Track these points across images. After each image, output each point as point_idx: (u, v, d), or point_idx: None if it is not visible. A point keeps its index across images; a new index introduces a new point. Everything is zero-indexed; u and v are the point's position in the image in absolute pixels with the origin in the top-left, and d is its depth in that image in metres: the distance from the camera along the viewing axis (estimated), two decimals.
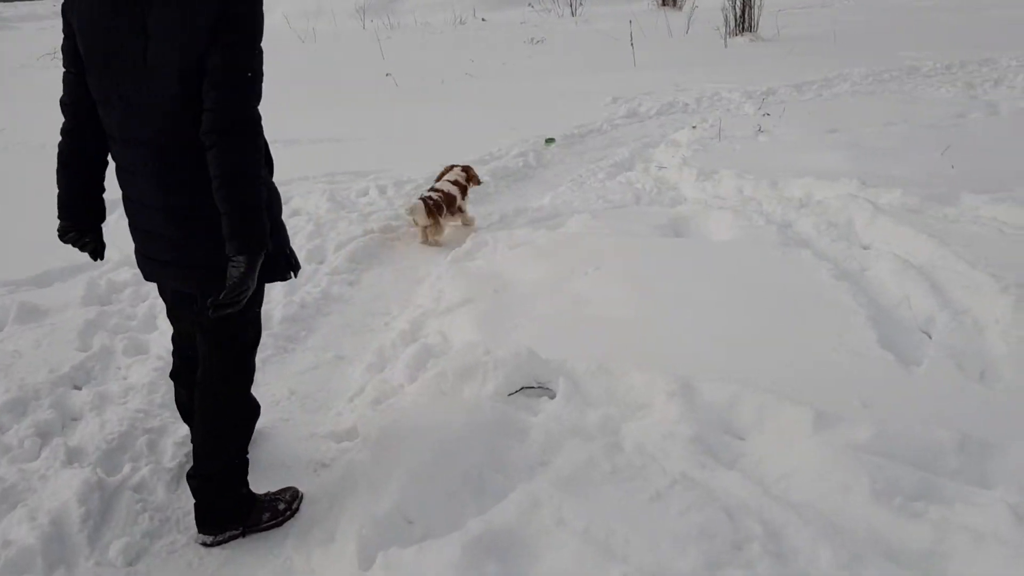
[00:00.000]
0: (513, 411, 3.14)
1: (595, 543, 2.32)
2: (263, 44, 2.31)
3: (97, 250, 2.68)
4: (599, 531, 2.36)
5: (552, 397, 3.29)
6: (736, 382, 3.07)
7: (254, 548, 2.72)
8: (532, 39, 16.58)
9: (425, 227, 5.37)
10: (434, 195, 5.42)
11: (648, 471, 2.58)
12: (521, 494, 2.50)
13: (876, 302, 3.95)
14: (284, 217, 2.69)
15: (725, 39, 15.14)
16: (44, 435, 3.22)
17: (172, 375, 3.04)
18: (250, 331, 2.73)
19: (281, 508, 2.83)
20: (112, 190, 2.58)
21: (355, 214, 5.71)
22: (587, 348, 3.63)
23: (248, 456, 2.84)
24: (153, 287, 4.48)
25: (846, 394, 3.07)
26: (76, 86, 2.43)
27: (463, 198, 5.68)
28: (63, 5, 2.42)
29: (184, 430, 3.21)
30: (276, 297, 4.47)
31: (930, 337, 3.69)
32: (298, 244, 5.01)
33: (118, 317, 4.28)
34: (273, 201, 2.56)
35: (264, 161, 2.43)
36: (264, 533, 2.77)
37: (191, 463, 2.78)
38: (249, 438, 2.93)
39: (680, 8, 21.24)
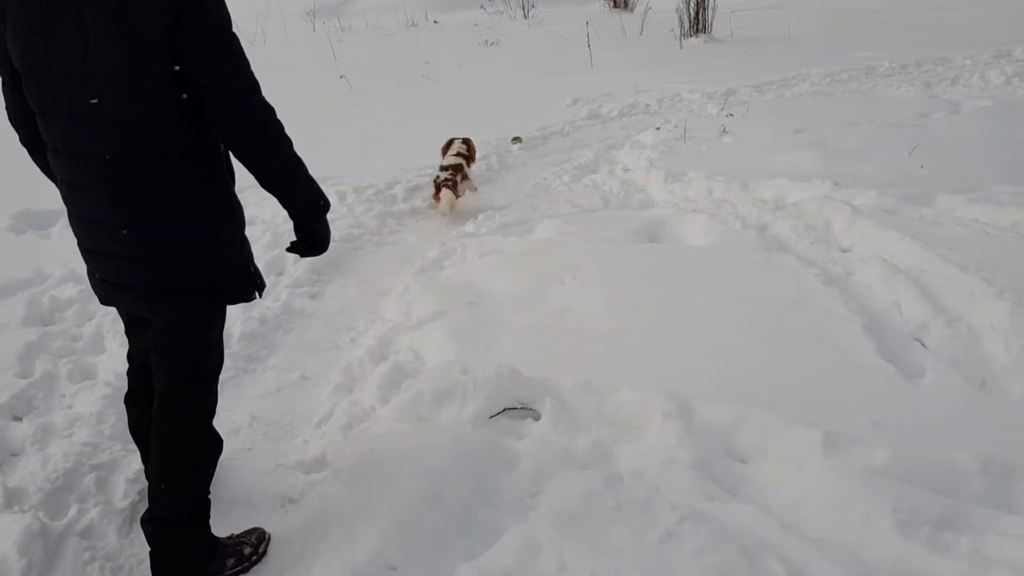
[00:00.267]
0: (497, 436, 2.91)
1: None
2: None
3: None
4: None
5: (537, 419, 3.08)
6: (736, 401, 2.88)
7: None
8: (486, 41, 16.36)
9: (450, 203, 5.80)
10: (449, 176, 5.82)
11: (654, 505, 2.35)
12: (517, 536, 2.28)
13: (868, 309, 3.79)
14: None
15: (680, 40, 15.10)
16: None
17: (127, 399, 2.76)
18: (212, 356, 2.50)
19: (247, 552, 2.56)
20: (56, 196, 2.33)
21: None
22: (570, 364, 3.42)
23: (209, 496, 2.57)
24: (100, 305, 4.18)
25: (853, 412, 2.89)
26: (18, 95, 2.20)
27: (468, 166, 6.15)
28: None
29: (137, 464, 2.93)
30: (234, 312, 4.16)
31: (924, 345, 3.55)
32: (255, 255, 4.69)
33: (62, 339, 3.93)
34: (236, 214, 2.37)
35: (227, 169, 2.29)
36: None
37: (145, 503, 2.51)
38: (211, 476, 2.65)
39: (632, 10, 21.23)
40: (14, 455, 3.07)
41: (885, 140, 7.17)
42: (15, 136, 2.39)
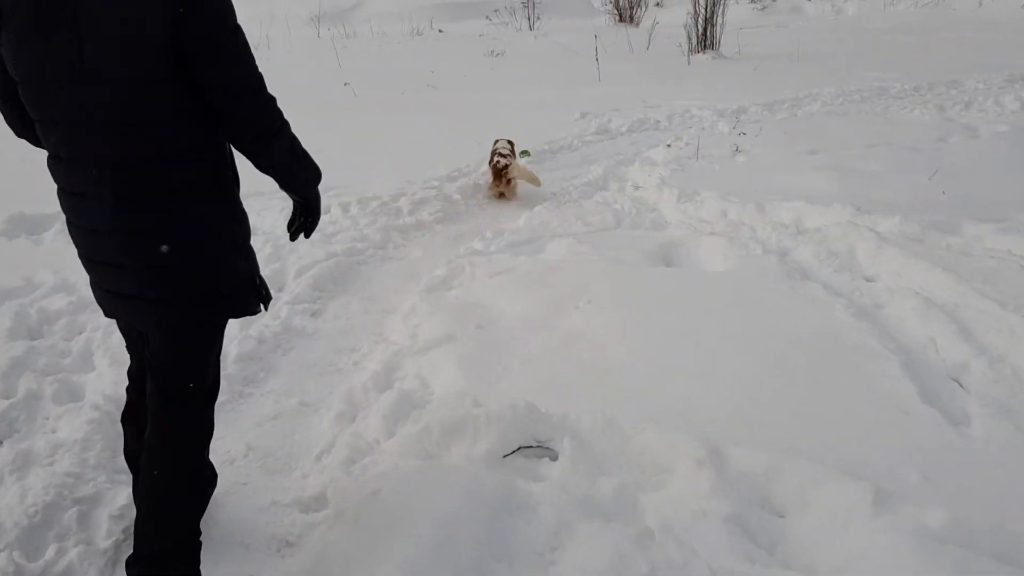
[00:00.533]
0: (512, 478, 2.69)
1: None
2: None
3: None
4: None
5: (554, 458, 2.86)
6: (770, 447, 2.66)
7: None
8: (492, 51, 16.21)
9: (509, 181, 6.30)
10: (502, 155, 6.35)
11: (691, 571, 2.14)
12: None
13: (903, 346, 3.57)
14: None
15: (688, 56, 14.96)
16: None
17: (124, 416, 2.58)
18: (208, 379, 2.34)
19: None
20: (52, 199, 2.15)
21: (317, 235, 5.20)
22: (587, 396, 3.22)
23: (201, 536, 2.37)
24: (91, 318, 3.97)
25: (900, 463, 2.67)
26: (15, 103, 2.08)
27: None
28: None
29: (123, 500, 2.71)
30: (231, 331, 3.90)
31: (962, 387, 3.34)
32: None
33: (49, 355, 3.70)
34: (240, 221, 2.24)
35: (232, 173, 2.18)
36: None
37: (130, 544, 2.31)
38: (202, 512, 2.47)
39: (638, 25, 21.14)
40: None
41: (903, 163, 7.00)
42: (10, 140, 2.25)
